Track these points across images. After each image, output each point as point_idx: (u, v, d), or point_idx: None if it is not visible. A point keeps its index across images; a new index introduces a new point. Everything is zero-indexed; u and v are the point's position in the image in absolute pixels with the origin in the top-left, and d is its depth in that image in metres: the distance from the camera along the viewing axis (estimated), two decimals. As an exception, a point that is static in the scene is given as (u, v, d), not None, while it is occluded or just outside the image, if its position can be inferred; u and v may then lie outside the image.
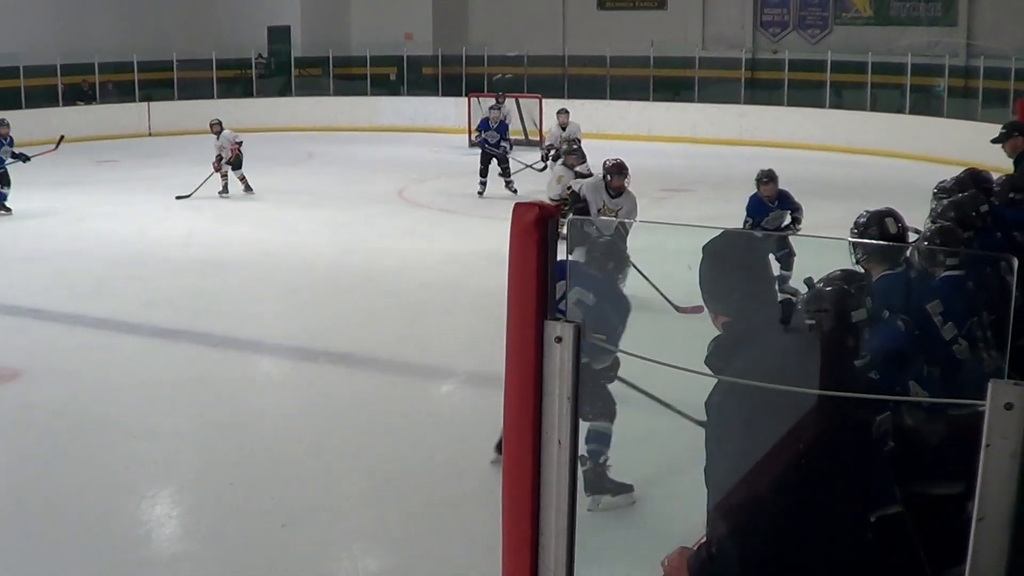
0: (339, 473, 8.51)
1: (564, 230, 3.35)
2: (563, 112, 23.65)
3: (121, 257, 16.27)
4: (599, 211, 13.92)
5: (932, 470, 5.49)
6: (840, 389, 4.49)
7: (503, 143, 23.00)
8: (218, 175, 21.86)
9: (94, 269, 15.56)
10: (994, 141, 11.36)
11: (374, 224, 19.22)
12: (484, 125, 23.44)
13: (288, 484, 8.26)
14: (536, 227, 2.72)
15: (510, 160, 22.97)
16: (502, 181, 22.60)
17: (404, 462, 8.70)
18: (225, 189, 21.94)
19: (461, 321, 13.17)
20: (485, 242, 17.26)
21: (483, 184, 22.45)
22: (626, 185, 14.33)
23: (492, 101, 30.28)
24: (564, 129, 22.70)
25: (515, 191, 22.25)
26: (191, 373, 10.96)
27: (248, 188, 22.03)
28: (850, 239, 7.53)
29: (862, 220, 6.74)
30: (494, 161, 22.69)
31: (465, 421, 9.90)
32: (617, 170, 14.25)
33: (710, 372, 4.10)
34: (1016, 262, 3.03)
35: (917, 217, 12.22)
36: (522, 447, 2.85)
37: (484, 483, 8.11)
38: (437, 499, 8.06)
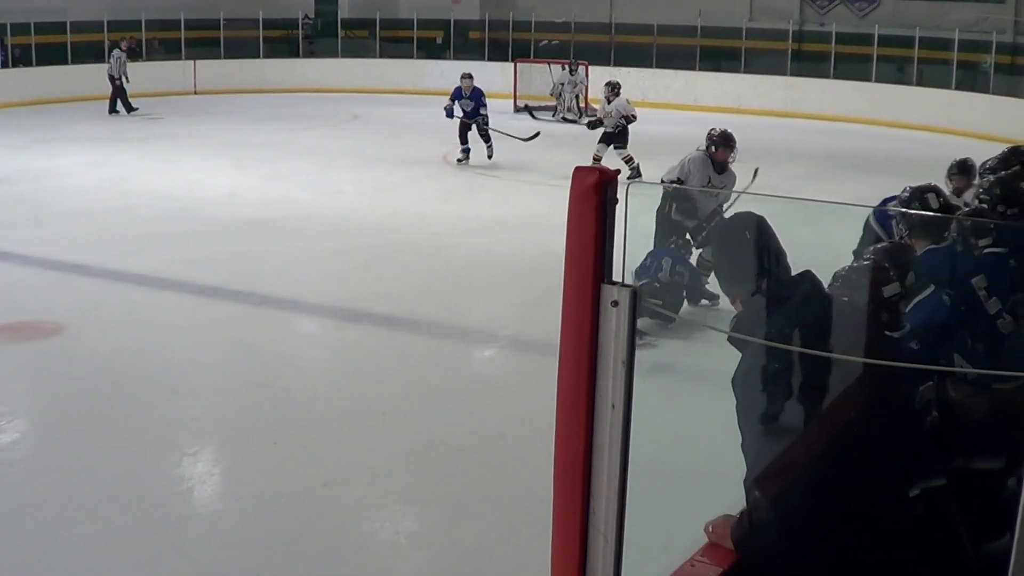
0: (379, 435, 8.52)
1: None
2: (611, 85, 22.02)
3: (165, 215, 16.34)
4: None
5: (974, 444, 5.50)
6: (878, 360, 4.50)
7: (480, 113, 21.92)
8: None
9: (138, 226, 15.62)
10: None
11: (418, 187, 19.26)
12: (457, 94, 22.11)
13: (329, 445, 8.28)
14: (596, 191, 2.73)
15: (489, 129, 22.19)
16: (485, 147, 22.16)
17: (445, 425, 8.72)
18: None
19: (504, 286, 13.17)
20: (528, 207, 17.33)
21: (465, 152, 21.88)
22: (731, 160, 12.58)
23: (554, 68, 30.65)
24: (609, 102, 22.35)
25: (490, 156, 22.01)
26: (234, 332, 11.02)
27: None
28: (887, 209, 7.53)
29: (904, 195, 6.73)
30: (473, 128, 21.94)
31: (507, 385, 9.95)
32: (723, 141, 12.48)
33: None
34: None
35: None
36: (575, 410, 2.87)
37: (525, 446, 8.14)
38: (478, 462, 8.09)
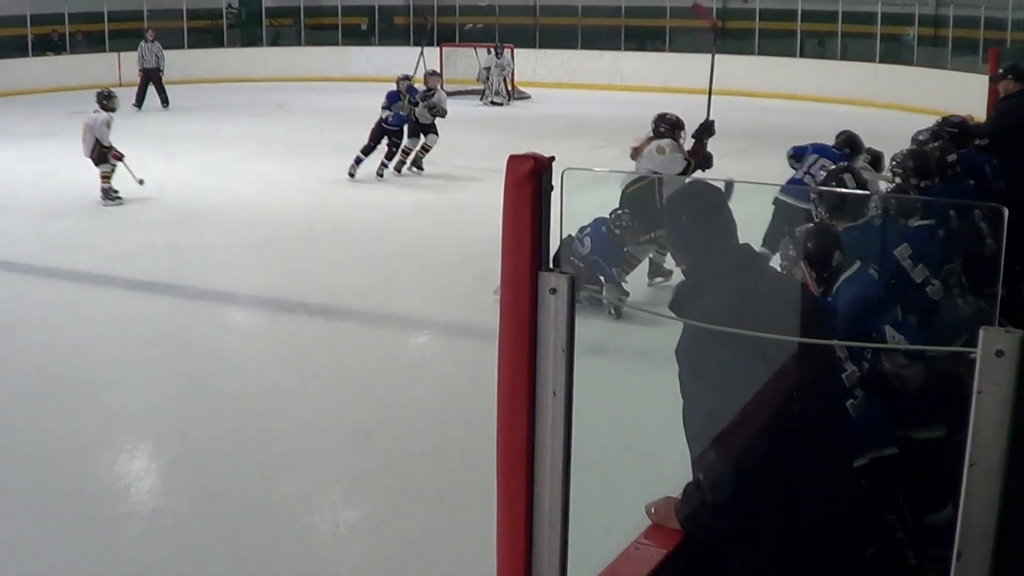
0: (318, 425, 8.50)
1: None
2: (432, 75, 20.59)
3: (93, 209, 16.17)
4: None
5: (914, 415, 5.56)
6: (813, 334, 4.54)
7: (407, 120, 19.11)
8: None
9: (67, 221, 15.48)
10: (992, 80, 11.47)
11: (345, 175, 19.14)
12: (395, 97, 19.17)
13: (267, 437, 8.25)
14: (530, 179, 2.72)
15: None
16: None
17: (383, 413, 8.71)
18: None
19: (436, 272, 13.15)
20: (457, 192, 17.36)
21: (359, 162, 19.01)
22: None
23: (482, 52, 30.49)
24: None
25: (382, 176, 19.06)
26: (167, 326, 10.94)
27: None
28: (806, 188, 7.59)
29: (820, 179, 6.80)
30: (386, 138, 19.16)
31: (442, 371, 9.96)
32: (680, 125, 12.21)
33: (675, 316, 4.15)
34: (1006, 212, 3.06)
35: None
36: (517, 398, 2.86)
37: (464, 433, 8.17)
38: (417, 450, 8.07)
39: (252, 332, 11.31)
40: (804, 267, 5.48)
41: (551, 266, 2.81)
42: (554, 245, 2.85)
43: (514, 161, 2.74)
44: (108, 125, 16.51)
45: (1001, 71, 11.25)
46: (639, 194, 11.23)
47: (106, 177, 16.62)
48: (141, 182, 16.64)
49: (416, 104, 19.06)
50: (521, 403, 2.86)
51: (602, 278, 10.84)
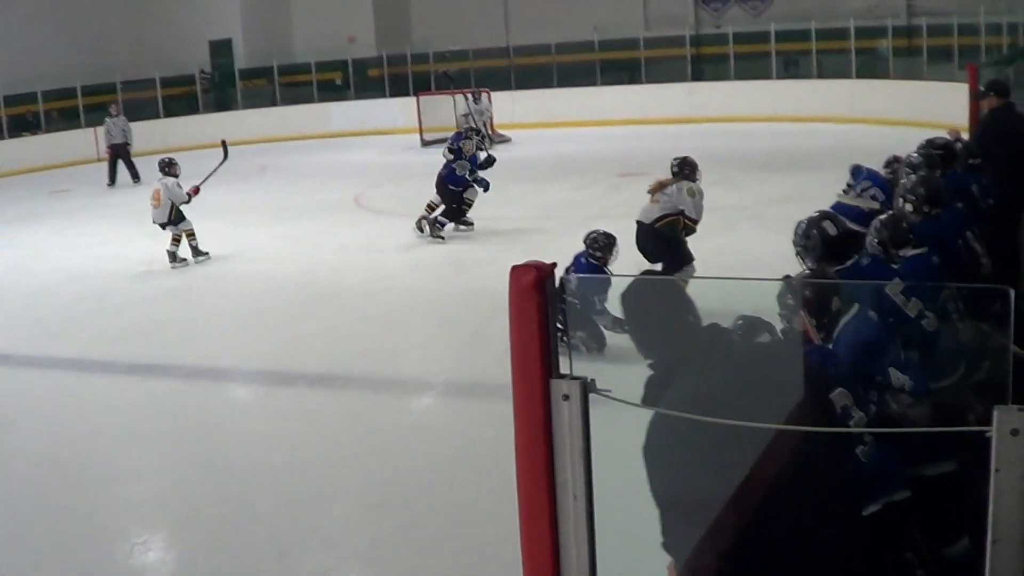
0: (328, 498, 8.48)
1: None
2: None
3: (85, 291, 16.12)
4: None
5: (923, 452, 5.58)
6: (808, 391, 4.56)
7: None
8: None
9: (58, 306, 15.45)
10: (975, 97, 11.54)
11: (335, 235, 19.17)
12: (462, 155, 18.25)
13: (280, 514, 8.23)
14: (535, 288, 2.74)
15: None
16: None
17: (393, 480, 8.69)
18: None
19: (432, 330, 13.19)
20: (447, 246, 17.29)
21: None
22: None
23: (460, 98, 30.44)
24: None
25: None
26: (167, 408, 10.90)
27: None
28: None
29: (801, 229, 6.80)
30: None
31: (448, 433, 9.94)
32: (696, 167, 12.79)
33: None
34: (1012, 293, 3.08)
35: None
36: (538, 505, 2.88)
37: (476, 494, 8.17)
38: (431, 515, 8.06)
39: (253, 407, 11.28)
40: (803, 315, 5.50)
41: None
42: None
43: (517, 271, 2.76)
44: (179, 185, 17.47)
45: (982, 89, 11.34)
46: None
47: (191, 235, 17.56)
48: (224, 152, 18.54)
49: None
50: (543, 508, 2.87)
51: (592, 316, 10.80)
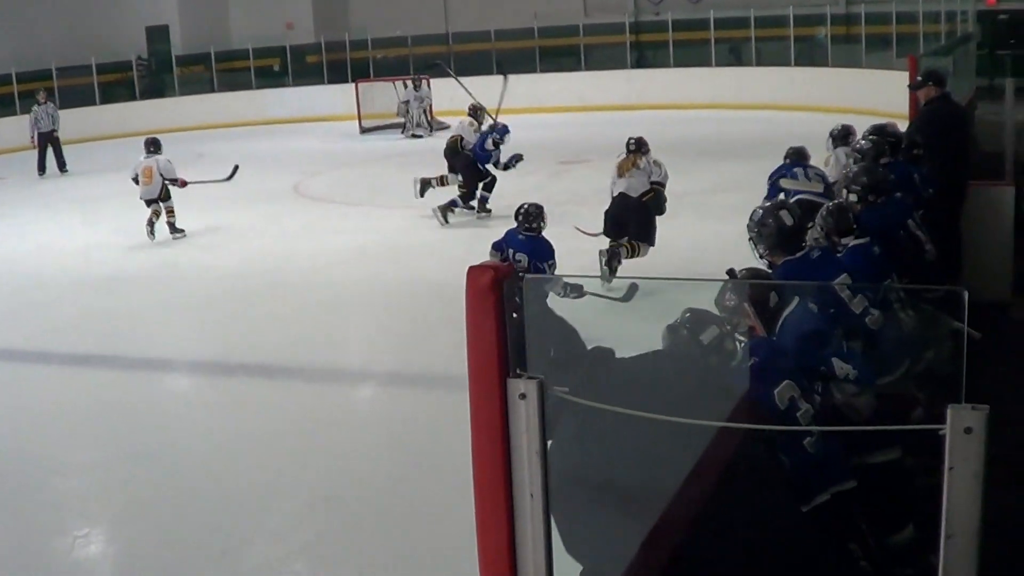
0: (273, 492, 8.42)
1: None
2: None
3: (23, 281, 15.94)
4: None
5: (868, 440, 5.62)
6: (725, 407, 4.58)
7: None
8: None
9: (-7, 298, 15.27)
10: (911, 87, 11.61)
11: (275, 223, 19.08)
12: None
13: (223, 509, 8.16)
14: (492, 290, 2.74)
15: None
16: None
17: (338, 474, 8.64)
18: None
19: (374, 319, 13.15)
20: (388, 233, 17.27)
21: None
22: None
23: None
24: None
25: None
26: (108, 400, 10.78)
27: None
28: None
29: (757, 216, 6.82)
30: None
31: (392, 424, 9.89)
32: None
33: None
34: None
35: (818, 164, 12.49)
36: (495, 504, 2.88)
37: (422, 486, 8.16)
38: (377, 509, 8.02)
39: (195, 398, 11.17)
40: (748, 309, 5.52)
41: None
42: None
43: (474, 272, 2.76)
44: (171, 162, 18.36)
45: (920, 78, 11.42)
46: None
47: (171, 212, 18.24)
48: (234, 171, 18.91)
49: None
50: (500, 509, 2.87)
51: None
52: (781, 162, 11.71)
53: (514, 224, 11.13)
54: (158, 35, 39.60)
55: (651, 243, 13.25)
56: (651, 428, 3.62)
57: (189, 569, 7.38)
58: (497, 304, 2.75)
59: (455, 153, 18.68)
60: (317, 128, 33.28)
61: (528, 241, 11.04)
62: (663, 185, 13.46)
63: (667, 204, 13.52)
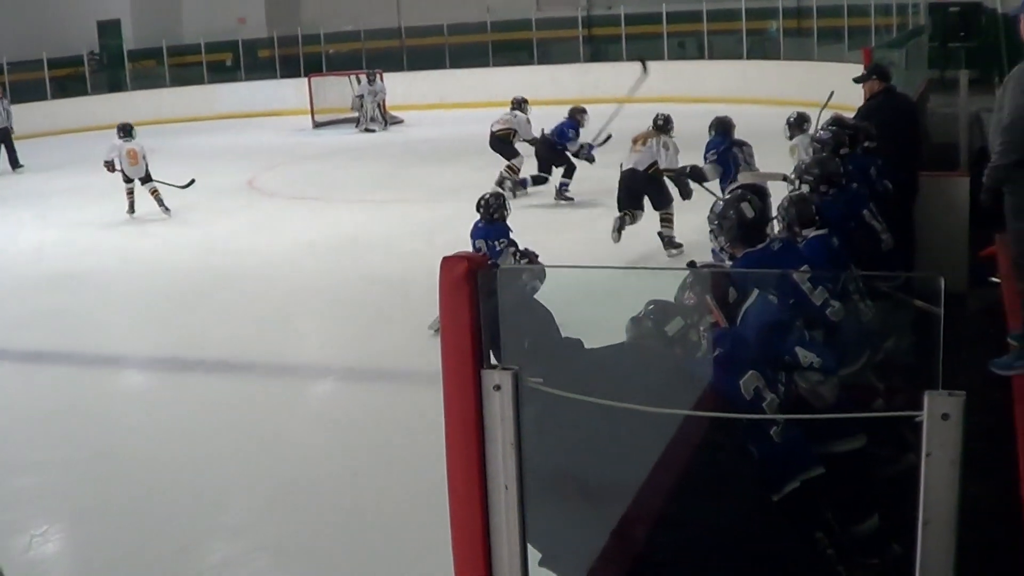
0: (232, 489, 8.37)
1: None
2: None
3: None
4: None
5: (833, 429, 5.63)
6: (690, 398, 4.58)
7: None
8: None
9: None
10: (856, 80, 11.64)
11: (229, 218, 19.00)
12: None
13: (181, 505, 8.08)
14: (466, 280, 2.72)
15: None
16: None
17: (296, 469, 8.59)
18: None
19: (331, 313, 13.09)
20: (342, 227, 17.24)
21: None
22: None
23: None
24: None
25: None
26: (64, 398, 10.65)
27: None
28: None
29: (718, 208, 6.80)
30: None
31: (349, 419, 9.82)
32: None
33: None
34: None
35: (769, 161, 12.60)
36: (469, 494, 2.86)
37: (380, 481, 8.13)
38: (336, 504, 7.97)
39: (151, 396, 11.04)
40: (710, 301, 5.51)
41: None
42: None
43: (448, 263, 2.75)
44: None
45: (865, 72, 11.46)
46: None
47: (155, 191, 19.18)
48: (190, 183, 19.41)
49: None
50: (474, 500, 2.85)
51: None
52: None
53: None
54: (110, 29, 39.40)
55: (667, 204, 14.24)
56: (616, 418, 3.61)
57: (148, 567, 7.31)
58: (471, 295, 2.73)
59: (506, 144, 19.35)
60: (270, 123, 33.18)
61: (485, 227, 11.19)
62: (671, 170, 14.33)
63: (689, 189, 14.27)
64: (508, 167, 18.97)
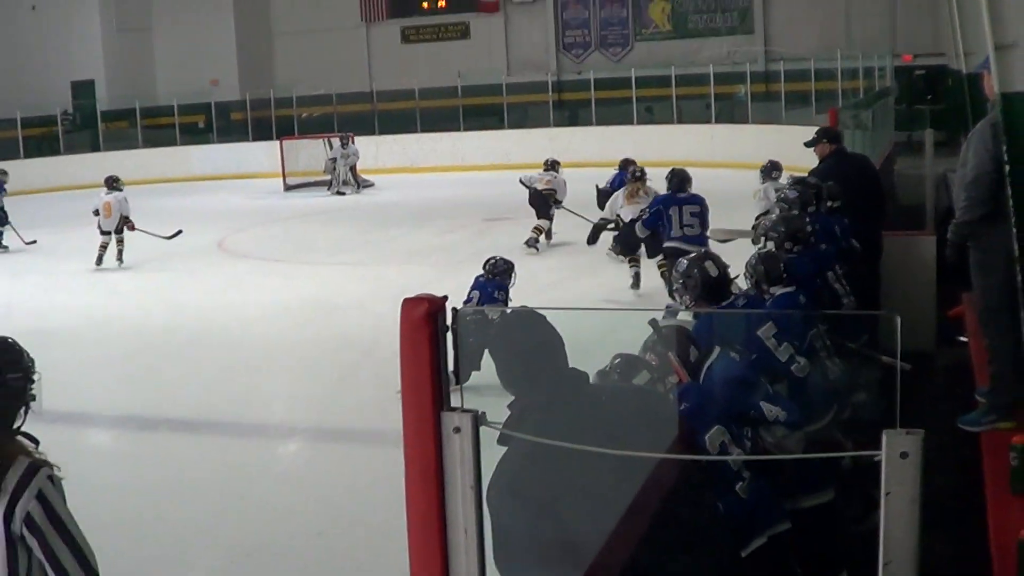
0: (196, 551, 8.29)
1: None
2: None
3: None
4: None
5: (799, 484, 5.63)
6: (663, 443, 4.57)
7: None
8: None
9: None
10: (807, 144, 11.70)
11: (199, 279, 18.95)
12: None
13: (145, 565, 7.97)
14: (426, 321, 2.72)
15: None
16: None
17: (261, 530, 8.52)
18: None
19: (298, 374, 13.05)
20: (312, 290, 17.20)
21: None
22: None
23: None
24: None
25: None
26: (28, 454, 10.58)
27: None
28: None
29: (682, 268, 6.82)
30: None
31: (316, 480, 9.79)
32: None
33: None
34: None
35: (738, 220, 12.65)
36: (428, 540, 2.85)
37: (345, 542, 8.08)
38: (301, 565, 7.92)
39: (117, 454, 10.99)
40: (672, 358, 5.52)
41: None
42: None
43: (409, 304, 2.74)
44: (127, 200, 20.75)
45: (815, 135, 11.54)
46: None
47: (120, 242, 20.45)
48: (177, 233, 20.71)
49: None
50: (434, 544, 2.84)
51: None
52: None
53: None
54: (84, 90, 39.48)
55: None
56: (597, 463, 3.62)
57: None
58: (431, 336, 2.73)
59: (544, 204, 19.83)
60: (241, 185, 33.16)
61: (486, 281, 11.71)
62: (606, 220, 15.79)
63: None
64: (537, 227, 19.42)
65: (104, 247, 20.33)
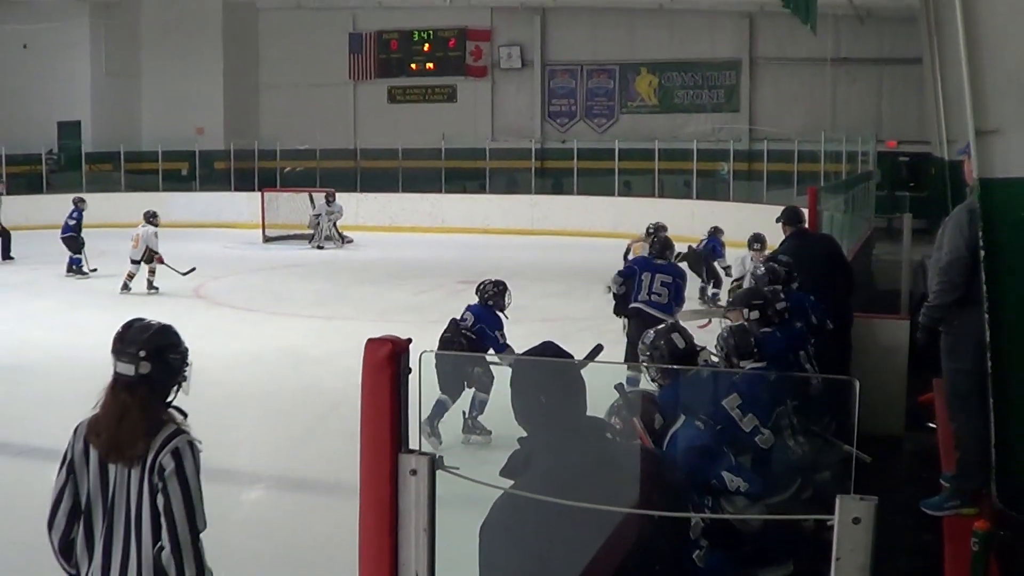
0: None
1: None
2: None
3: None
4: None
5: (759, 556, 5.64)
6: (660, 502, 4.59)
7: None
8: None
9: None
10: (777, 220, 11.87)
11: (173, 324, 18.80)
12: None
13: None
14: (389, 362, 2.75)
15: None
16: None
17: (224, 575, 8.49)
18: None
19: (266, 422, 13.02)
20: (285, 340, 17.20)
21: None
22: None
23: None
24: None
25: None
26: (-7, 488, 10.56)
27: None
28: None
29: (649, 339, 6.89)
30: None
31: (279, 527, 9.76)
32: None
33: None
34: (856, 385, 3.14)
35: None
36: (379, 580, 2.85)
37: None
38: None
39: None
40: (637, 423, 5.56)
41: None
42: (413, 426, 2.85)
43: (372, 344, 2.77)
44: (156, 236, 22.66)
45: (777, 217, 11.68)
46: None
47: (152, 272, 22.56)
48: (191, 271, 22.84)
49: None
50: (384, 584, 2.85)
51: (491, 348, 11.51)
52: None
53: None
54: (70, 130, 39.49)
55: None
56: (598, 515, 3.65)
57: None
58: (393, 377, 2.76)
59: None
60: (220, 233, 33.15)
61: (483, 308, 11.85)
62: None
63: None
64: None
65: (131, 276, 22.31)
